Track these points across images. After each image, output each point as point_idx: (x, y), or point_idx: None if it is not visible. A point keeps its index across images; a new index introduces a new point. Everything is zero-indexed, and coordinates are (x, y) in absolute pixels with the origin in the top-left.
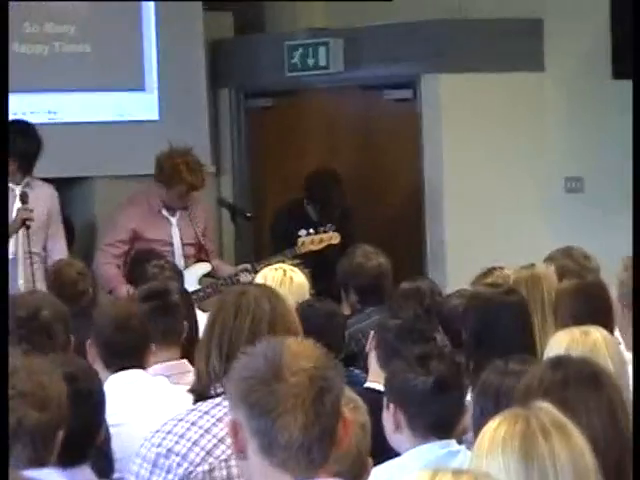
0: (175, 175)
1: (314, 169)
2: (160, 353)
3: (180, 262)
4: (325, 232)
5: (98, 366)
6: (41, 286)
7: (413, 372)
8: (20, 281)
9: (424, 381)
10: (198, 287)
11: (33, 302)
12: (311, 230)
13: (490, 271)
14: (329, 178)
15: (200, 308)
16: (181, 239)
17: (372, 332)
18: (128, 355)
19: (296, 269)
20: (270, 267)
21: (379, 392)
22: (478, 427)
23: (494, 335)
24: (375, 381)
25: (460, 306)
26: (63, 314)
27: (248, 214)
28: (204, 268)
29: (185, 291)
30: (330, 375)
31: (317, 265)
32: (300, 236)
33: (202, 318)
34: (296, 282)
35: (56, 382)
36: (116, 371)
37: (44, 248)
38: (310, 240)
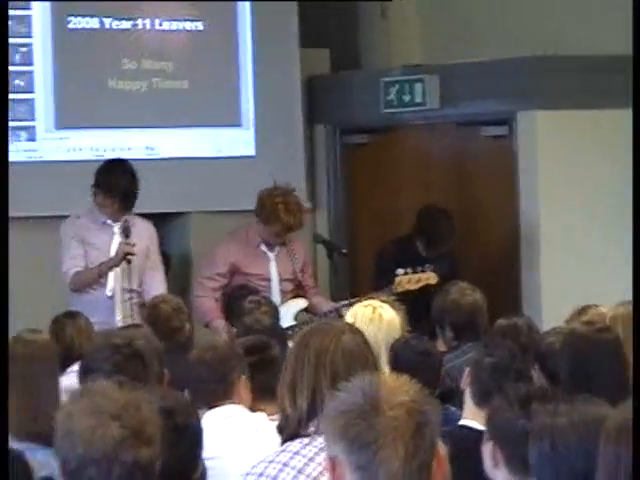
0: (272, 214)
1: (423, 206)
2: (258, 407)
3: (277, 297)
4: (423, 272)
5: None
6: (138, 322)
7: (514, 412)
8: (118, 317)
9: (524, 424)
10: (294, 323)
11: (128, 333)
12: (409, 269)
13: (585, 309)
14: (440, 214)
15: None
16: (279, 274)
17: (467, 369)
18: (216, 386)
19: (385, 306)
20: (360, 304)
21: (474, 430)
22: (540, 470)
23: (589, 373)
24: (470, 418)
25: (556, 343)
26: (157, 348)
27: (344, 250)
28: (300, 304)
29: (281, 329)
30: (427, 409)
31: (413, 302)
32: (397, 275)
33: None
34: (386, 319)
35: (155, 415)
36: (210, 407)
37: (141, 283)
38: (407, 279)
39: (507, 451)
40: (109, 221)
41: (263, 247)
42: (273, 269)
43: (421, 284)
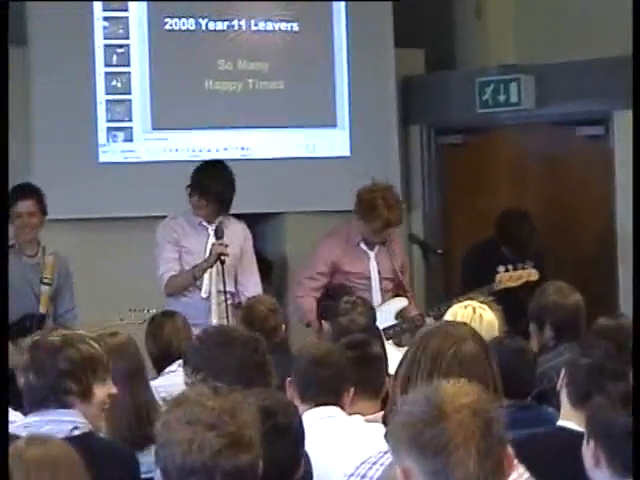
0: (372, 210)
1: (503, 210)
2: (358, 405)
3: (377, 296)
4: (524, 268)
5: (296, 401)
6: (234, 323)
7: (615, 411)
8: (214, 319)
9: (626, 423)
10: (395, 322)
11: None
12: (509, 267)
13: None
14: (518, 218)
15: (396, 343)
16: (379, 273)
17: (563, 370)
18: (325, 392)
19: (485, 306)
20: (459, 305)
21: (572, 431)
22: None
23: None
24: (567, 419)
25: None
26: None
27: (439, 251)
28: (401, 303)
29: (377, 329)
30: (491, 407)
31: (506, 302)
32: (498, 272)
33: (397, 354)
34: (486, 320)
35: (254, 417)
36: (312, 407)
37: (236, 284)
38: (508, 277)
39: (609, 450)
40: (204, 222)
41: (363, 246)
42: (373, 267)
43: (522, 281)
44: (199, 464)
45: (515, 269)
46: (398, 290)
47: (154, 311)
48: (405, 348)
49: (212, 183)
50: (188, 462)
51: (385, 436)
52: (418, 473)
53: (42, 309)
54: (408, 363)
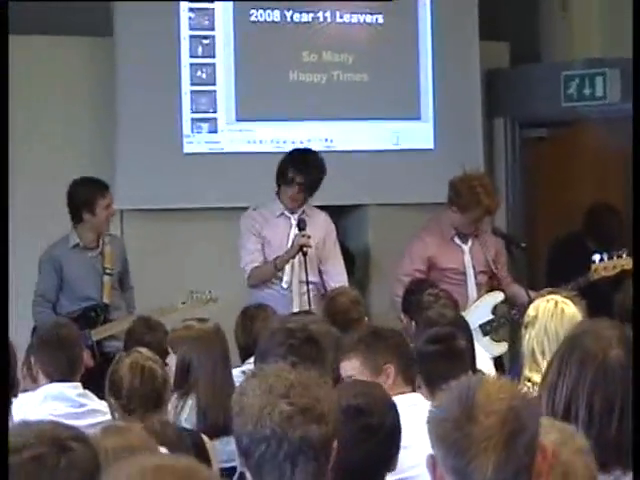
0: (473, 199)
1: (592, 203)
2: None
3: (473, 291)
4: (619, 257)
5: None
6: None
7: None
8: (296, 310)
9: None
10: (492, 317)
11: (304, 318)
12: (604, 256)
13: None
14: (608, 211)
15: (494, 339)
16: (473, 267)
17: None
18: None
19: (568, 301)
20: (542, 298)
21: None
22: None
23: None
24: None
25: None
26: (333, 333)
27: (523, 244)
28: (498, 297)
29: (464, 321)
30: (524, 415)
31: (591, 296)
32: (594, 262)
33: (495, 348)
34: (567, 314)
35: (330, 395)
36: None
37: (321, 274)
38: (603, 266)
39: None
40: (286, 212)
41: (457, 240)
42: (468, 261)
43: (617, 270)
44: (269, 431)
45: (610, 258)
46: (492, 283)
47: (211, 293)
48: (503, 343)
49: (299, 171)
50: (258, 429)
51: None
52: (442, 466)
53: (106, 299)
54: (557, 365)
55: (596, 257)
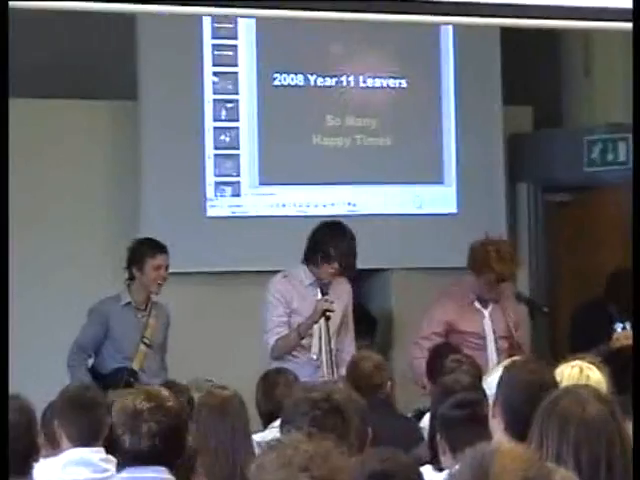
0: (484, 263)
1: (614, 269)
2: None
3: (494, 356)
4: None
5: (498, 424)
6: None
7: None
8: (321, 378)
9: None
10: None
11: (328, 387)
12: (627, 324)
13: None
14: (630, 277)
15: None
16: (494, 332)
17: None
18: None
19: (593, 367)
20: (567, 364)
21: None
22: None
23: None
24: None
25: None
26: (358, 403)
27: (545, 309)
28: None
29: (481, 388)
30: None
31: (613, 362)
32: (615, 331)
33: None
34: (593, 380)
35: (348, 464)
36: (513, 435)
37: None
38: (625, 336)
39: None
40: (315, 281)
41: (477, 304)
42: (488, 326)
43: None
44: None
45: (632, 327)
46: (513, 349)
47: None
48: None
49: (335, 247)
50: None
51: None
52: None
53: (135, 365)
54: (539, 427)
55: (618, 326)
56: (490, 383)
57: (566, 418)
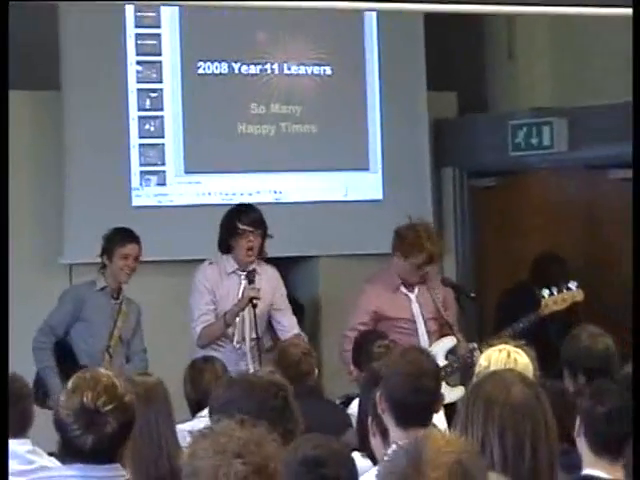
0: (416, 244)
1: (539, 253)
2: None
3: (424, 338)
4: (569, 289)
5: (389, 421)
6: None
7: None
8: (250, 366)
9: None
10: (445, 363)
11: (268, 375)
12: (554, 290)
13: None
14: (554, 261)
15: (448, 383)
16: (422, 315)
17: (578, 417)
18: (420, 413)
19: (520, 350)
20: (493, 348)
21: (598, 478)
22: None
23: None
24: (591, 467)
25: None
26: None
27: (472, 294)
28: (450, 342)
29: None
30: (471, 468)
31: (539, 346)
32: (544, 297)
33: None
34: (520, 363)
35: (279, 451)
36: (408, 428)
37: (273, 327)
38: (553, 300)
39: None
40: (238, 271)
41: (403, 289)
42: (416, 310)
43: (567, 303)
44: None
45: (560, 291)
46: (443, 329)
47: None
48: (459, 388)
49: (256, 216)
50: None
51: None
52: None
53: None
54: (463, 413)
55: (545, 292)
56: None
57: (491, 402)
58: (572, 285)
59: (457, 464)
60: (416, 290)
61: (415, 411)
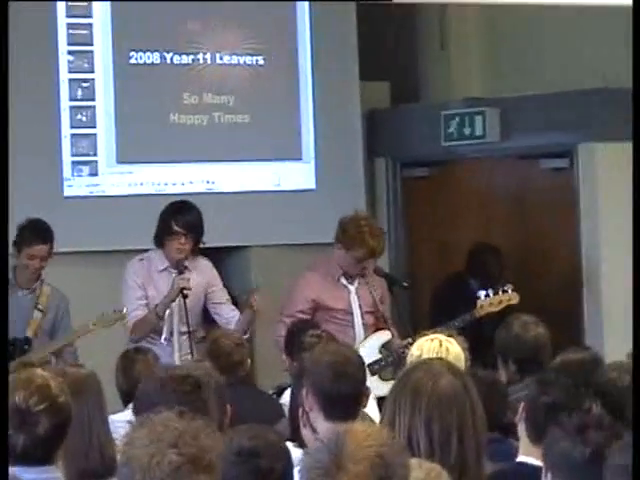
0: (358, 239)
1: (473, 243)
2: None
3: (360, 331)
4: (505, 291)
5: (317, 416)
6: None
7: (571, 441)
8: (176, 359)
9: (581, 451)
10: (379, 356)
11: (186, 365)
12: (490, 292)
13: None
14: (489, 251)
15: (381, 377)
16: (360, 307)
17: (521, 405)
18: (346, 404)
19: (452, 340)
20: (426, 338)
21: (531, 466)
22: None
23: None
24: (527, 455)
25: (618, 379)
26: (217, 381)
27: (405, 284)
28: (384, 336)
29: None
30: (392, 461)
31: (473, 334)
32: (479, 298)
33: (383, 387)
34: (452, 352)
35: (217, 443)
36: (335, 421)
37: (215, 319)
38: (489, 302)
39: None
40: (170, 268)
41: (343, 280)
42: (354, 302)
43: (502, 305)
44: None
45: (495, 293)
46: (379, 323)
47: (120, 312)
48: (392, 382)
49: (191, 220)
50: (147, 478)
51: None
52: None
53: (29, 332)
54: (391, 403)
55: (481, 293)
56: None
57: (418, 391)
58: (508, 288)
59: (378, 457)
60: (356, 283)
61: (340, 401)
